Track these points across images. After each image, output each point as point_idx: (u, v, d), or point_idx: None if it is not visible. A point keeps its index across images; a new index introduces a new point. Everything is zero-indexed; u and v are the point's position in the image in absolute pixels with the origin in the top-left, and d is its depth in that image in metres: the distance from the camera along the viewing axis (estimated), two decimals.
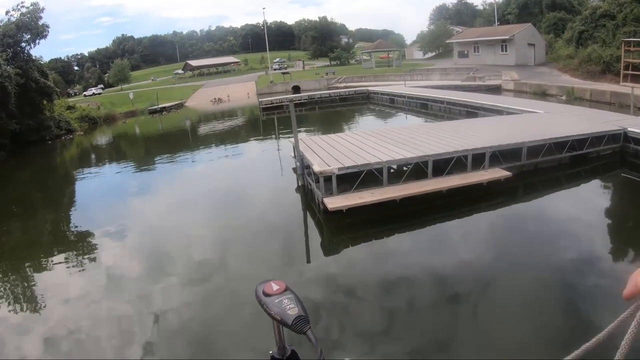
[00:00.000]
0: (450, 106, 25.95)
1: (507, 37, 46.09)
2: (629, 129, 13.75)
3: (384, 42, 73.75)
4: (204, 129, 31.62)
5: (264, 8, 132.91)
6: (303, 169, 11.38)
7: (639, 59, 30.48)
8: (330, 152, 11.10)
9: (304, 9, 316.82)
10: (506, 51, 47.15)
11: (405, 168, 10.95)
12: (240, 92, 52.06)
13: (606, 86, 31.19)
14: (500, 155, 11.82)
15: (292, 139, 12.58)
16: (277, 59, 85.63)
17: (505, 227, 9.51)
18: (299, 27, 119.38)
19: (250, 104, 42.47)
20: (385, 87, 37.61)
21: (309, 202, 11.13)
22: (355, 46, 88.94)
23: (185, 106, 47.74)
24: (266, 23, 74.77)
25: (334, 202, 8.98)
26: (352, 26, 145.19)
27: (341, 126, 26.20)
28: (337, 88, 46.94)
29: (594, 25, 38.10)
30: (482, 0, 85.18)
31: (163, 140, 28.56)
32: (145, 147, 27.36)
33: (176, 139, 28.16)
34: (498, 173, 11.05)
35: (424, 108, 28.47)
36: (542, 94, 32.82)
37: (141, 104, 45.49)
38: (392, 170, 10.96)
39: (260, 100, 34.72)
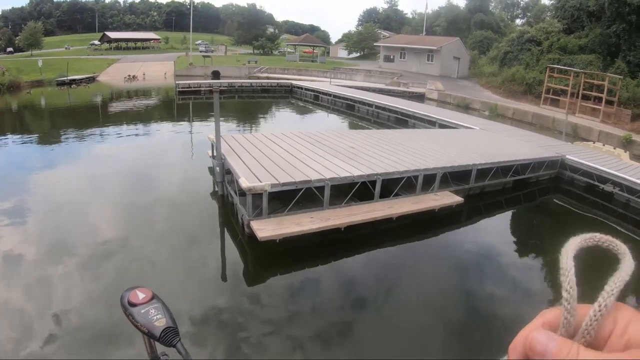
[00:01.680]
0: (379, 110, 24.84)
1: (435, 47, 46.58)
2: (567, 156, 13.79)
3: (310, 36, 72.25)
4: (111, 109, 27.18)
5: None
6: (223, 175, 9.18)
7: (560, 85, 31.91)
8: (258, 158, 8.99)
9: None
10: (432, 61, 47.70)
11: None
12: (157, 71, 48.05)
13: (528, 107, 32.10)
14: (449, 177, 10.67)
15: (211, 136, 10.45)
16: (200, 41, 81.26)
17: (446, 256, 8.57)
18: (226, 11, 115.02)
19: (167, 85, 39.05)
20: (309, 83, 35.98)
21: (229, 216, 9.06)
22: (281, 37, 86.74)
23: (97, 80, 42.77)
24: (193, 2, 69.57)
25: (265, 229, 6.93)
26: (279, 17, 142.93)
27: (264, 120, 24.05)
28: (258, 78, 44.73)
29: (519, 48, 39.62)
30: (412, 9, 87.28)
31: (68, 116, 24.17)
32: (50, 122, 22.94)
33: (82, 116, 23.88)
34: (450, 198, 9.76)
35: (350, 109, 27.14)
36: (465, 107, 33.17)
37: (50, 73, 39.69)
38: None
39: (177, 82, 31.28)
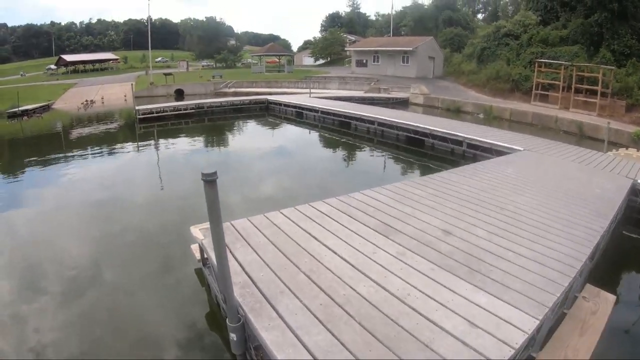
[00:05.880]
0: (384, 129, 20.12)
1: (410, 48, 42.73)
2: (639, 180, 10.41)
3: (276, 45, 67.12)
4: (50, 154, 20.25)
5: (149, 2, 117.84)
6: (246, 343, 4.37)
7: (547, 80, 29.11)
8: (327, 322, 4.11)
9: (189, 8, 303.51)
10: (408, 63, 43.90)
11: None
12: (117, 93, 42.23)
13: (523, 106, 28.78)
14: None
15: (197, 231, 5.84)
16: (160, 58, 75.45)
17: None
18: (185, 26, 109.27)
19: (128, 108, 33.53)
20: (288, 97, 31.18)
21: None
22: (242, 49, 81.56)
23: (53, 108, 36.82)
24: (150, 19, 62.96)
25: None
26: (239, 28, 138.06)
27: (252, 158, 17.24)
28: (226, 94, 39.90)
29: (496, 43, 36.62)
30: (374, 11, 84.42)
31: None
32: None
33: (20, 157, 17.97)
34: (607, 305, 5.49)
35: (346, 127, 22.38)
36: (456, 111, 29.55)
37: (1, 104, 33.57)
38: None
39: (137, 108, 25.22)
